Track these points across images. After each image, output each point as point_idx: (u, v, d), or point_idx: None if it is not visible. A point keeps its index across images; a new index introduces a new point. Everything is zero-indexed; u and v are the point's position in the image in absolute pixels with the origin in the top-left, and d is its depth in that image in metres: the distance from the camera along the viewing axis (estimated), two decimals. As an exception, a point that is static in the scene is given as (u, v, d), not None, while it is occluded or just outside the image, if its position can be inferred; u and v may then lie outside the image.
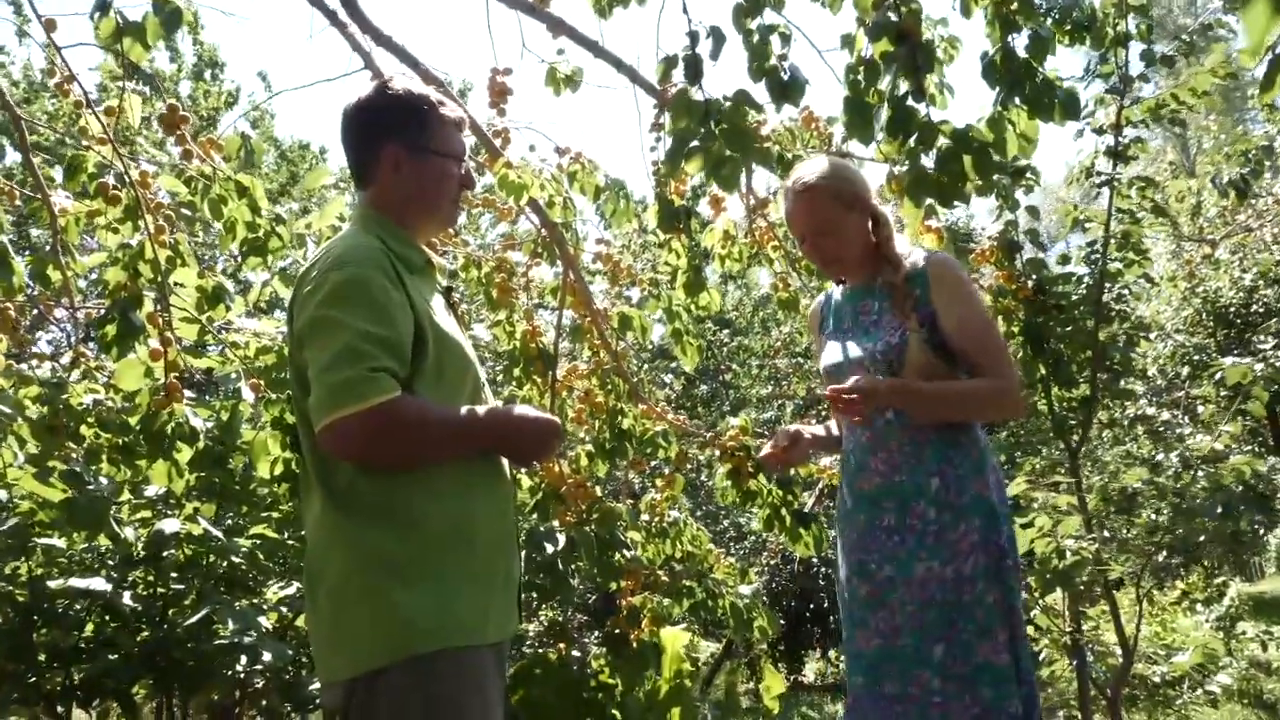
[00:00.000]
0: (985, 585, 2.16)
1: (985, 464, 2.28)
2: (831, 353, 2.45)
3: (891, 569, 2.21)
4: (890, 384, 2.23)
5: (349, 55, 3.28)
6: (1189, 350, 8.85)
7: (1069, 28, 3.18)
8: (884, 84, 2.28)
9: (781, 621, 7.20)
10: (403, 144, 1.91)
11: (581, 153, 3.71)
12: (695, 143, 2.39)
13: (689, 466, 4.50)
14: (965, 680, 2.12)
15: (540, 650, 3.77)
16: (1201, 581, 8.37)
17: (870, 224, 2.36)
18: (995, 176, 2.47)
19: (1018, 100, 2.51)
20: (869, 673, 2.22)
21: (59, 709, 3.49)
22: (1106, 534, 4.16)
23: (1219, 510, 3.77)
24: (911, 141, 2.26)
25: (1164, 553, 4.18)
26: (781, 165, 3.40)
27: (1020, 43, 2.58)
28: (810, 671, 9.20)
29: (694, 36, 2.39)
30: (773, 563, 8.19)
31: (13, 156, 11.53)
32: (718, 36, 2.41)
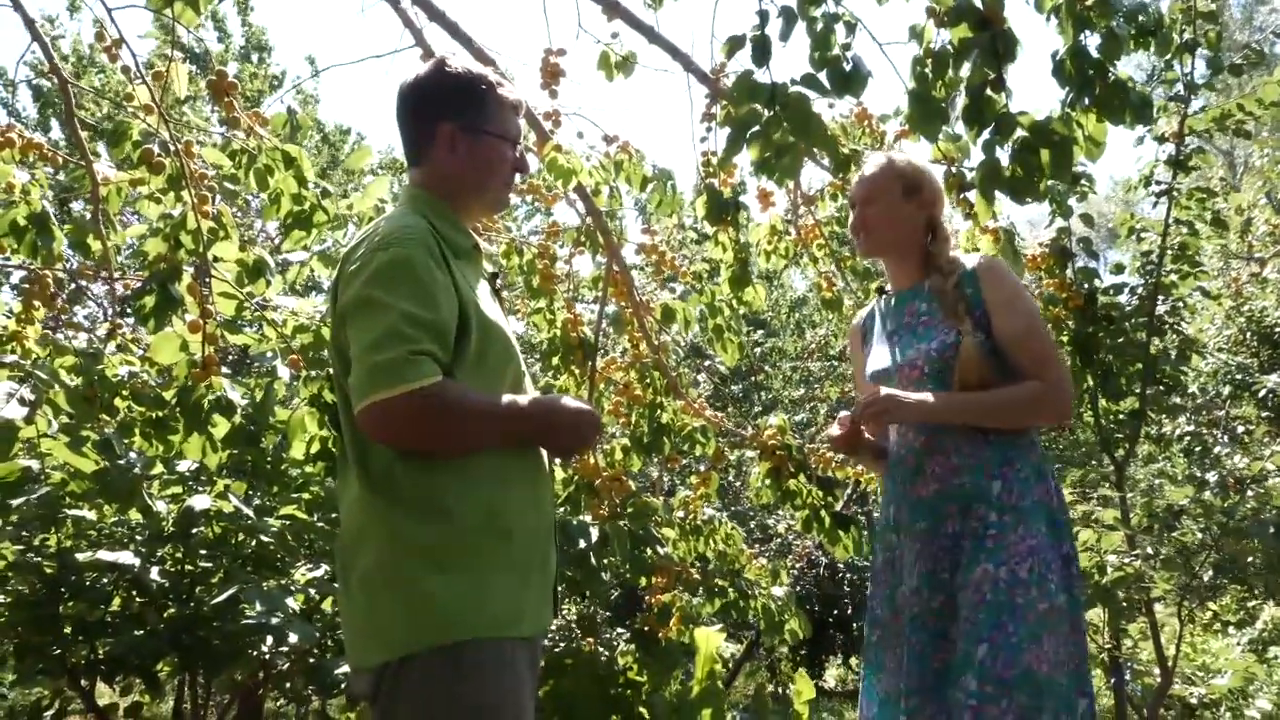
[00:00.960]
0: (1040, 591, 2.06)
1: (1044, 470, 2.21)
2: (878, 358, 2.38)
3: (961, 576, 2.12)
4: (915, 401, 2.16)
5: (399, 33, 3.23)
6: (1231, 369, 8.67)
7: (1134, 31, 3.09)
8: (963, 71, 2.18)
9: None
10: (459, 123, 1.86)
11: (629, 142, 3.64)
12: (756, 128, 2.31)
13: (722, 465, 4.42)
14: (1005, 684, 2.00)
15: (570, 644, 3.71)
16: (1234, 604, 8.21)
17: (926, 226, 2.31)
18: (1062, 178, 2.39)
19: (1087, 101, 2.43)
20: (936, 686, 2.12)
21: (83, 682, 3.47)
22: (1150, 550, 4.06)
23: (1271, 531, 3.65)
24: (987, 133, 2.17)
25: (1209, 572, 4.07)
26: (836, 161, 3.32)
27: (1092, 42, 2.49)
28: (831, 677, 9.11)
29: (764, 16, 2.31)
30: (799, 566, 8.10)
31: (56, 133, 11.64)
32: (789, 16, 2.33)
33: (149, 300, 2.80)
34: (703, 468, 4.50)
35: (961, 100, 2.20)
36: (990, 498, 2.13)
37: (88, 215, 3.20)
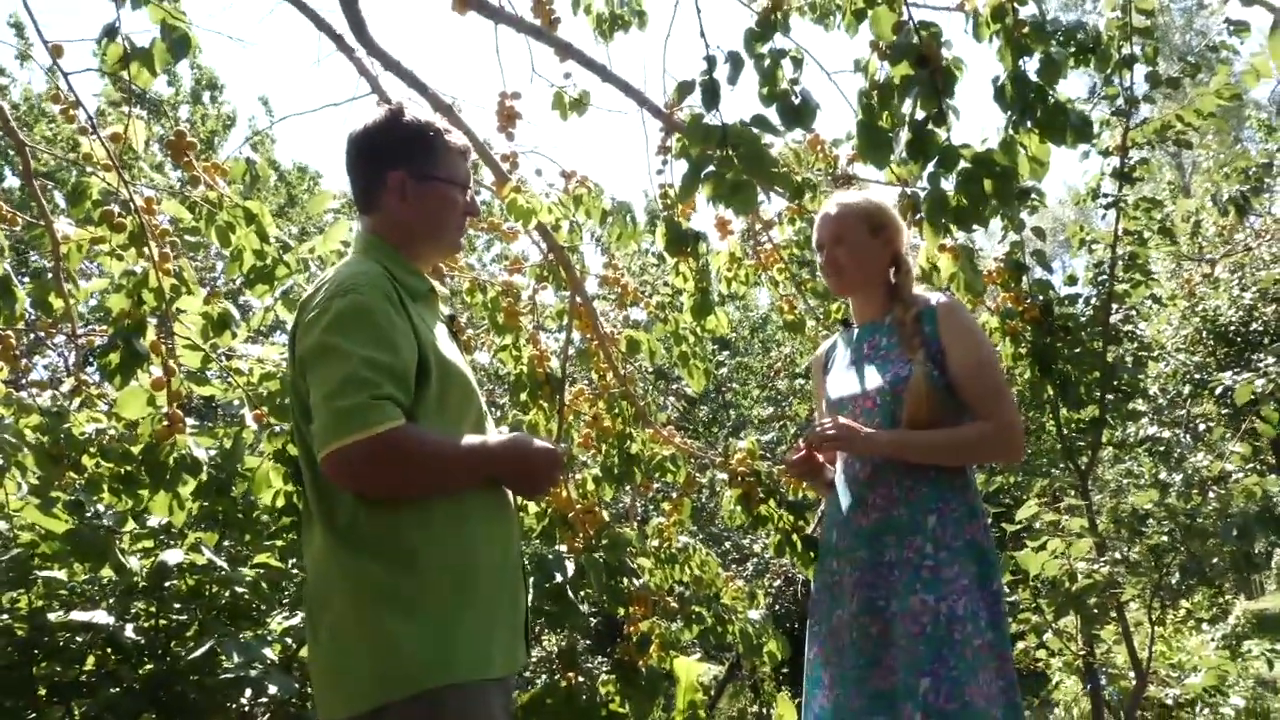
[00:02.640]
0: (974, 628, 2.15)
1: (977, 509, 2.30)
2: (836, 387, 2.46)
3: (896, 604, 2.20)
4: (868, 434, 2.25)
5: (355, 80, 3.26)
6: (1189, 369, 8.83)
7: (1074, 50, 3.18)
8: (905, 108, 2.25)
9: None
10: (408, 170, 1.90)
11: (587, 176, 3.69)
12: (711, 168, 2.36)
13: (694, 490, 4.45)
14: (946, 717, 2.07)
15: (549, 679, 3.71)
16: (1206, 600, 8.34)
17: (891, 261, 2.40)
18: (1006, 205, 2.46)
19: (1029, 124, 2.50)
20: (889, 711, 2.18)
21: (59, 744, 3.42)
22: (1118, 556, 4.13)
23: (1234, 532, 3.73)
24: (932, 165, 2.24)
25: (1176, 574, 4.14)
26: (791, 190, 3.38)
27: (1031, 66, 2.57)
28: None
29: (711, 61, 2.36)
30: (776, 584, 8.13)
31: (11, 180, 11.52)
32: (736, 61, 2.39)
33: (114, 357, 2.79)
34: (674, 494, 4.52)
35: (905, 135, 2.27)
36: (926, 531, 2.22)
37: (46, 267, 3.19)
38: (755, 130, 2.36)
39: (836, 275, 2.42)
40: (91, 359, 3.06)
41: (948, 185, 2.27)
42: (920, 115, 2.25)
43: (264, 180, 3.04)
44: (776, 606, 8.13)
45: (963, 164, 2.22)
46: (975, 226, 2.32)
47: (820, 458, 2.44)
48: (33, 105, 11.87)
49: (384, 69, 3.18)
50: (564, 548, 3.59)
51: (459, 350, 1.95)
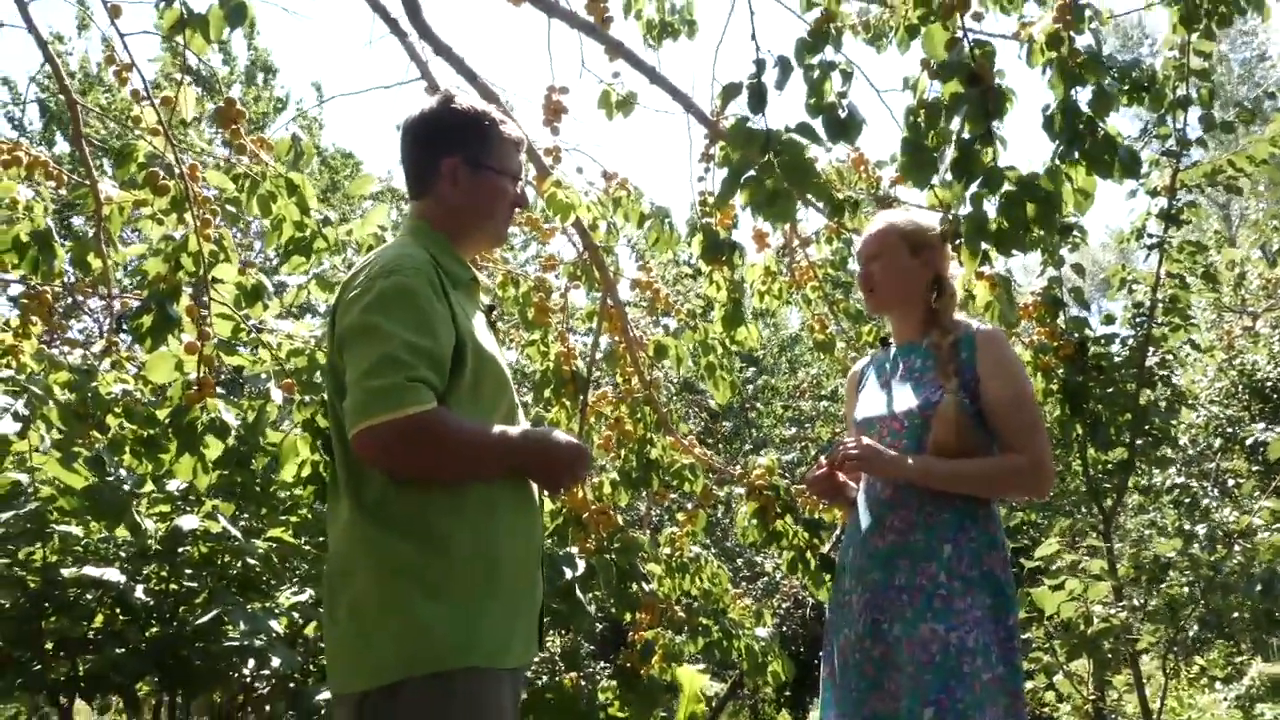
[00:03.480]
0: (985, 662, 2.11)
1: (998, 541, 2.26)
2: (867, 406, 2.43)
3: (900, 629, 2.16)
4: (892, 457, 2.22)
5: (405, 65, 3.28)
6: (1222, 422, 8.70)
7: (1128, 87, 3.14)
8: (953, 125, 2.23)
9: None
10: (463, 158, 1.91)
11: (628, 179, 3.69)
12: (751, 173, 2.35)
13: (711, 503, 4.43)
14: None
15: (553, 677, 3.70)
16: (1222, 659, 8.19)
17: (932, 284, 2.36)
18: (1048, 232, 2.43)
19: (1076, 155, 2.47)
20: None
21: (61, 699, 3.45)
22: (1136, 602, 4.07)
23: (1259, 588, 3.66)
24: (975, 186, 2.21)
25: (1195, 626, 4.07)
26: (830, 206, 3.36)
27: (1083, 97, 2.54)
28: (814, 719, 9.07)
29: (760, 64, 2.36)
30: (785, 605, 8.08)
31: (62, 146, 11.71)
32: (785, 66, 2.38)
33: (147, 319, 2.82)
34: (690, 505, 4.50)
35: (951, 152, 2.25)
36: (941, 559, 2.18)
37: (89, 231, 3.24)
38: (799, 139, 2.35)
39: (871, 291, 2.40)
40: (125, 323, 3.09)
41: (990, 208, 2.24)
42: (967, 135, 2.23)
43: (308, 159, 3.07)
44: (784, 628, 8.08)
45: (1006, 186, 2.20)
46: (1014, 252, 2.29)
47: (842, 477, 2.41)
48: (88, 74, 12.08)
49: (434, 54, 3.20)
50: (575, 549, 3.58)
51: (496, 341, 1.96)
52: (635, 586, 3.65)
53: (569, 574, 3.35)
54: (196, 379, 2.77)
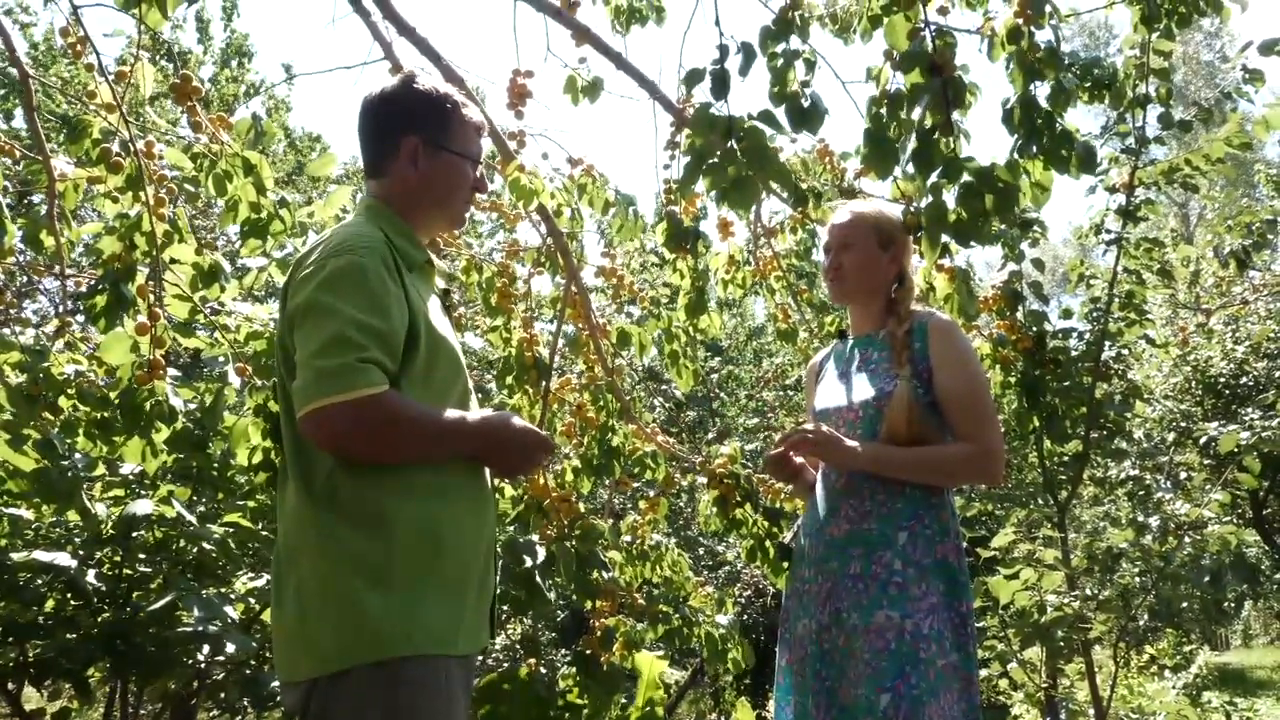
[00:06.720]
0: (939, 648, 2.13)
1: (951, 529, 2.28)
2: (825, 396, 2.45)
3: (857, 617, 2.18)
4: (847, 446, 2.23)
5: (368, 46, 3.24)
6: (1176, 417, 8.86)
7: (1089, 84, 3.18)
8: (914, 115, 2.24)
9: (750, 655, 7.12)
10: (423, 139, 1.89)
11: (593, 165, 3.67)
12: (714, 160, 2.35)
13: (673, 491, 4.44)
14: None
15: (510, 665, 3.69)
16: (1171, 648, 8.36)
17: (895, 277, 2.39)
18: (1006, 223, 2.46)
19: (1034, 149, 2.50)
20: None
21: (10, 686, 3.40)
22: (1089, 592, 4.13)
23: (1206, 579, 3.73)
24: (934, 176, 2.23)
25: (1145, 616, 4.14)
26: (795, 195, 3.37)
27: (1042, 92, 2.57)
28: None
29: (724, 50, 2.35)
30: (745, 594, 8.12)
31: (20, 121, 11.47)
32: (748, 53, 2.38)
33: (100, 299, 2.77)
34: (652, 493, 4.50)
35: (911, 143, 2.26)
36: (896, 546, 2.20)
37: (44, 210, 3.17)
38: (761, 126, 2.35)
39: (838, 282, 2.41)
40: (79, 303, 3.03)
41: (949, 199, 2.25)
42: (928, 124, 2.24)
43: (269, 140, 3.02)
44: (745, 616, 8.13)
45: (965, 177, 2.21)
46: (974, 243, 2.31)
47: (799, 460, 2.43)
48: (51, 46, 11.83)
49: (399, 34, 3.16)
50: (536, 535, 3.57)
51: (450, 325, 1.93)
52: (596, 573, 3.65)
53: (529, 561, 3.34)
54: (148, 360, 2.72)
